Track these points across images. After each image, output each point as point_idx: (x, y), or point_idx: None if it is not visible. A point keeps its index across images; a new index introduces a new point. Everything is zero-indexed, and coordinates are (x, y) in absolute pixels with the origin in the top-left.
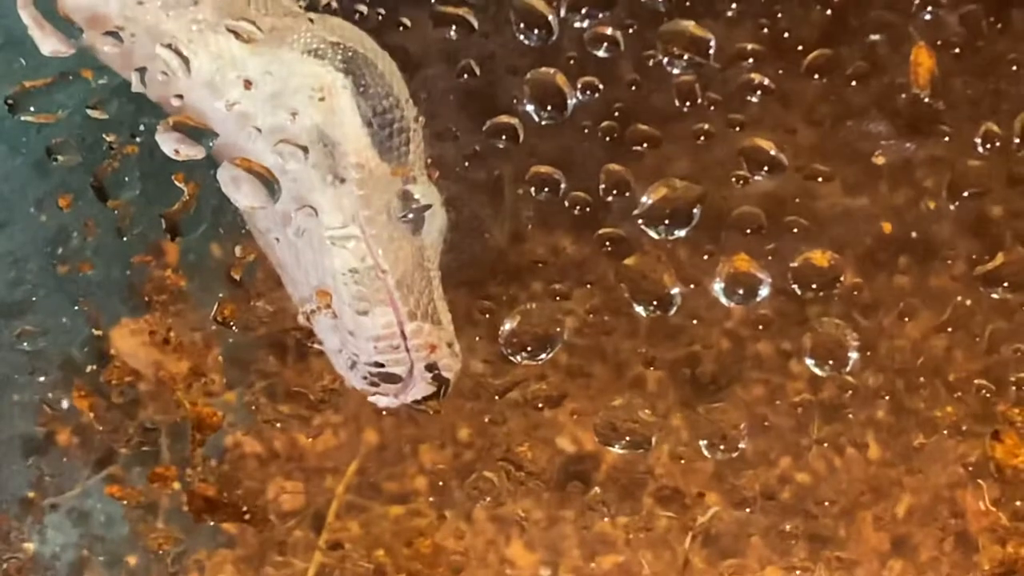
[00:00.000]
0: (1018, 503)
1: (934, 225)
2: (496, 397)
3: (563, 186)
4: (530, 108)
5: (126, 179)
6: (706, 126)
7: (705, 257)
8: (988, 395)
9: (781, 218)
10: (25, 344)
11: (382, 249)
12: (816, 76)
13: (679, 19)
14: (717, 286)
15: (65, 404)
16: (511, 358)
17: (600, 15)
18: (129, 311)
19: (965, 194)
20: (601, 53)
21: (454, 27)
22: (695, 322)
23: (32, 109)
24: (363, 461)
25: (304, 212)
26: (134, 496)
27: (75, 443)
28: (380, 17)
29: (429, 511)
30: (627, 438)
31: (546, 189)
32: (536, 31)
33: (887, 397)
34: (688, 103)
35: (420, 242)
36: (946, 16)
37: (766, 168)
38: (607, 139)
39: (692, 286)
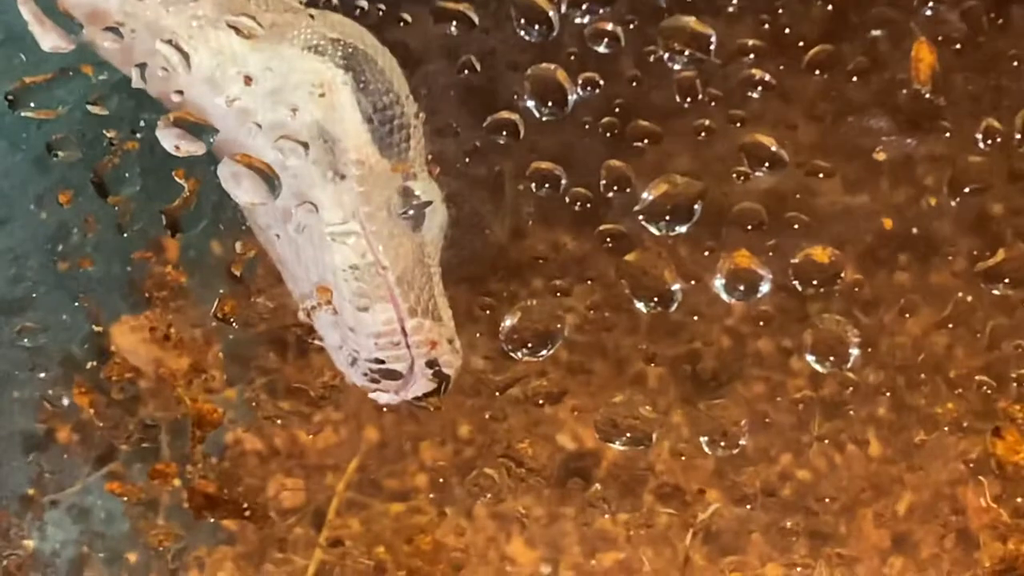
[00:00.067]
0: (1019, 500)
1: (935, 221)
2: (497, 393)
3: (564, 182)
4: (531, 104)
5: (126, 175)
6: (707, 122)
7: (706, 253)
8: (989, 391)
9: (782, 214)
10: (25, 340)
11: (382, 245)
12: (817, 72)
13: (680, 15)
14: (718, 282)
15: (65, 401)
16: (512, 354)
17: (601, 11)
18: (129, 307)
19: (966, 190)
20: (602, 49)
21: (454, 23)
22: (696, 318)
23: (32, 105)
24: (364, 458)
25: (304, 208)
26: (134, 493)
27: (75, 440)
28: (380, 13)
29: (430, 508)
30: (628, 434)
31: (547, 185)
32: (537, 27)
33: (888, 394)
34: (689, 99)
35: (420, 238)
36: (947, 12)
37: (767, 164)
38: (608, 135)
39: (693, 282)
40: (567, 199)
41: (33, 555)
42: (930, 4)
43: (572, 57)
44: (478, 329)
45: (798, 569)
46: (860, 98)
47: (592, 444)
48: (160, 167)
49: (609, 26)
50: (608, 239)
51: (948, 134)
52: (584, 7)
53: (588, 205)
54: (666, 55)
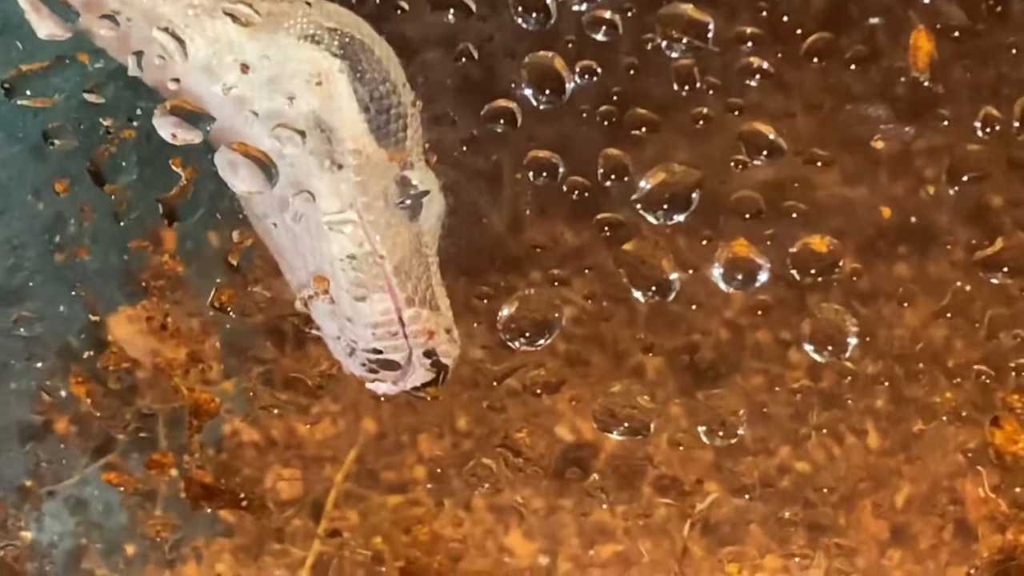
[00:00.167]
0: (1018, 490)
1: (933, 210)
2: (494, 384)
3: (561, 171)
4: (528, 92)
5: (123, 164)
6: (705, 110)
7: (704, 242)
8: (987, 381)
9: (780, 203)
10: (22, 330)
11: (380, 235)
12: (815, 60)
13: (678, 2)
14: (716, 271)
15: (63, 391)
16: (509, 344)
17: None
18: (126, 297)
19: (964, 179)
20: (599, 37)
21: (451, 11)
22: (694, 308)
23: (28, 93)
24: (362, 449)
25: (302, 197)
26: (131, 483)
27: (72, 430)
28: (377, 2)
29: (427, 499)
30: (626, 425)
31: (544, 174)
32: (534, 14)
33: (886, 384)
34: (687, 87)
35: (418, 228)
36: (945, 0)
37: (765, 153)
38: (605, 123)
39: (691, 271)
40: (565, 188)
41: (31, 546)
42: None
43: (570, 45)
44: (476, 319)
45: (796, 560)
46: (859, 86)
47: (590, 435)
48: (157, 155)
49: (607, 14)
50: (606, 228)
51: (947, 123)
52: None
53: (586, 194)
54: (664, 43)
